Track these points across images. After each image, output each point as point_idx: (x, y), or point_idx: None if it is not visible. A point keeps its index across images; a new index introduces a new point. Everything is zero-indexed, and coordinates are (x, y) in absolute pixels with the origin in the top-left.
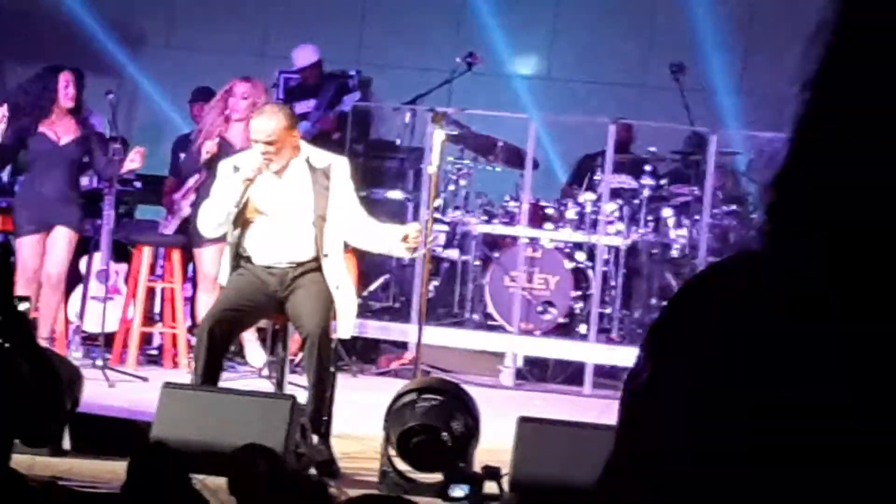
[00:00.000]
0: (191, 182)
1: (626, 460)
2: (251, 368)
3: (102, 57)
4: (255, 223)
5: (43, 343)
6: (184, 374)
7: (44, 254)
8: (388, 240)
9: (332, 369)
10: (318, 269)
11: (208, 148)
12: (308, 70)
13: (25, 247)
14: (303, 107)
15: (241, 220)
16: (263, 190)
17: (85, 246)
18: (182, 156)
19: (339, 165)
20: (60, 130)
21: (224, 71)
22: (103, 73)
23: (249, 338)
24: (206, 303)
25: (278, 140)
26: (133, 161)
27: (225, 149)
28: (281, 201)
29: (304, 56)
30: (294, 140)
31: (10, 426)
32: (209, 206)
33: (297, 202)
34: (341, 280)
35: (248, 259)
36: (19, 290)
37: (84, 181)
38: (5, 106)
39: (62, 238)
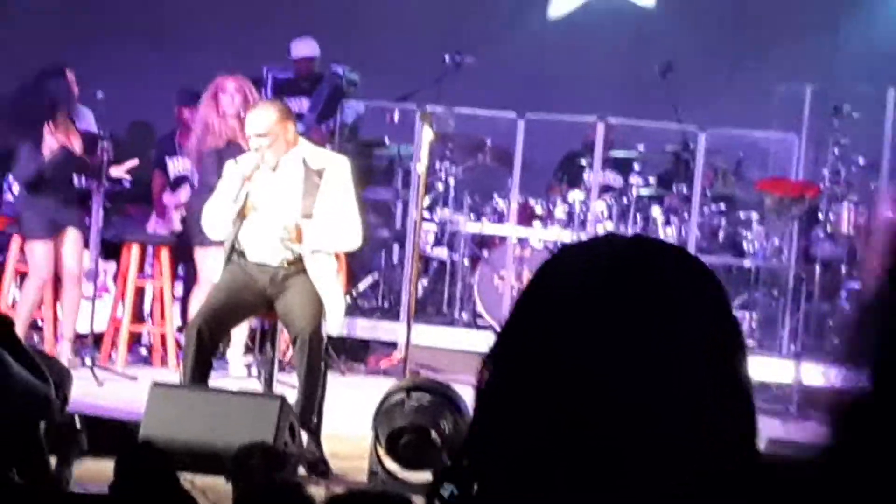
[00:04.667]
0: (182, 197)
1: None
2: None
3: (89, 53)
4: (250, 219)
5: (66, 342)
6: (173, 374)
7: (56, 257)
8: None
9: (322, 368)
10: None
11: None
12: (303, 63)
13: (39, 251)
14: (294, 105)
15: (240, 215)
16: (257, 185)
17: None
18: (169, 161)
19: (336, 166)
20: (61, 135)
21: (209, 69)
22: (90, 70)
23: (235, 344)
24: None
25: (270, 133)
26: (124, 168)
27: (234, 150)
28: (271, 197)
29: (304, 48)
30: (288, 133)
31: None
32: (213, 206)
33: (286, 199)
34: (327, 277)
35: (242, 254)
36: (31, 292)
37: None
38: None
39: (74, 238)
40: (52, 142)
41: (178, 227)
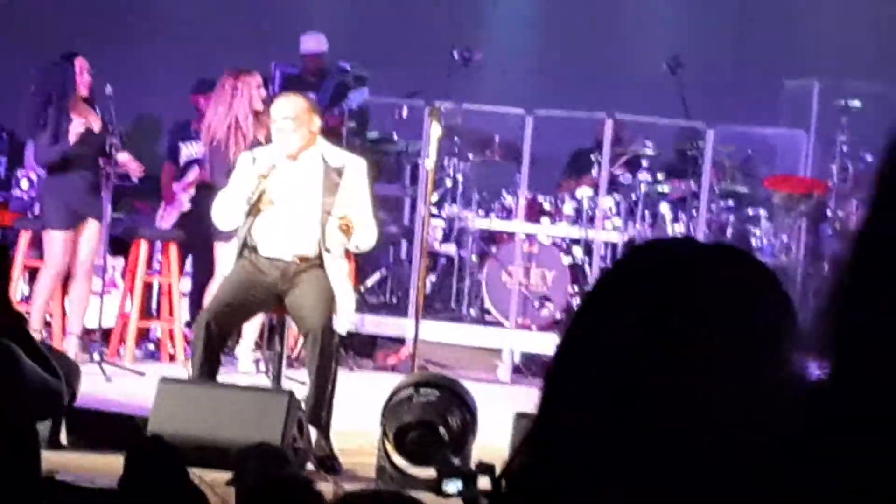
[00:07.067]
0: (190, 177)
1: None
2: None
3: (98, 46)
4: (265, 213)
5: (73, 337)
6: (181, 369)
7: (74, 249)
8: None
9: (333, 365)
10: (321, 265)
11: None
12: (312, 58)
13: (57, 242)
14: None
15: (253, 210)
16: (275, 178)
17: None
18: (182, 145)
19: (355, 167)
20: (90, 118)
21: (219, 64)
22: (99, 66)
23: (246, 340)
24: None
25: (298, 117)
26: (133, 170)
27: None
28: (290, 191)
29: (313, 43)
30: (313, 125)
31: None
32: (224, 198)
33: (306, 194)
34: (340, 276)
35: (255, 249)
36: (46, 283)
37: None
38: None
39: (94, 231)
40: (77, 125)
41: (186, 206)
